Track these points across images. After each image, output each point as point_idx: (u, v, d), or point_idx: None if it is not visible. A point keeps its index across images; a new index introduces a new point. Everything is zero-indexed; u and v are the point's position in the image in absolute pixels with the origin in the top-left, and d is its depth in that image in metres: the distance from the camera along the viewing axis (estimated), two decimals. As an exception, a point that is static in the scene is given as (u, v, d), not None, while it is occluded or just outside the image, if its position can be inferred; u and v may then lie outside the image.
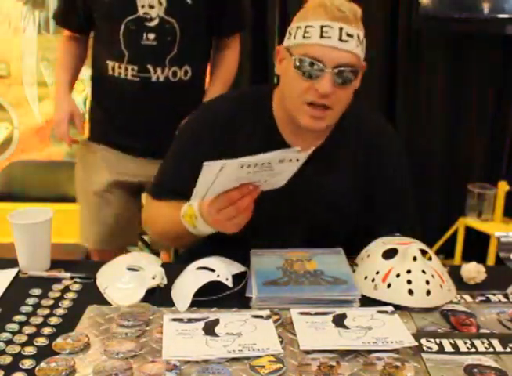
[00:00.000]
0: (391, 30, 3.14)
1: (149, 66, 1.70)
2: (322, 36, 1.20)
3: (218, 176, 1.07)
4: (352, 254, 1.36)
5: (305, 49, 1.22)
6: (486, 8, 2.89)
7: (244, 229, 1.20)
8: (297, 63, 1.23)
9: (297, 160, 1.11)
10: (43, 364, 0.98)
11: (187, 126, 1.48)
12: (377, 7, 3.11)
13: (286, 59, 1.28)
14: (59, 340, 1.05)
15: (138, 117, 1.80)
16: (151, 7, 1.59)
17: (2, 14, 3.25)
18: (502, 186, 2.98)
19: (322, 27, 1.20)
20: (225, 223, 1.17)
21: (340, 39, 1.19)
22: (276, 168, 1.12)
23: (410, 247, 1.21)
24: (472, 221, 3.05)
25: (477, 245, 3.09)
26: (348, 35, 1.20)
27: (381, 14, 3.12)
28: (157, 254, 2.24)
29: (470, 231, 3.09)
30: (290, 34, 1.28)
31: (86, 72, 3.36)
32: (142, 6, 1.61)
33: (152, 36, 1.63)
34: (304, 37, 1.22)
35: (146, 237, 2.88)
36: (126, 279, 1.25)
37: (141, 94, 1.75)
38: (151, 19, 1.61)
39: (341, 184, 1.40)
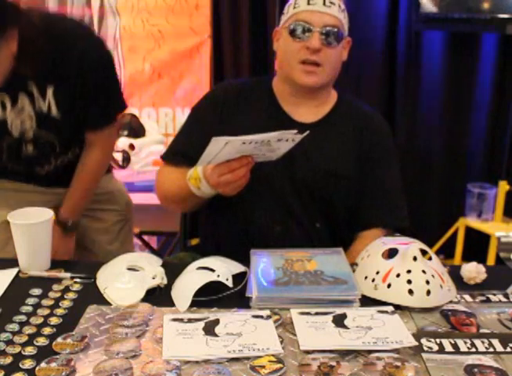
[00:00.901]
0: (391, 30, 3.14)
1: (37, 167, 1.68)
2: (308, 3, 1.43)
3: (223, 149, 1.22)
4: (353, 231, 1.54)
5: (296, 16, 1.44)
6: (486, 8, 2.89)
7: (247, 201, 1.43)
8: (290, 28, 1.44)
9: (293, 140, 1.26)
10: (43, 364, 0.98)
11: (200, 101, 1.64)
12: (377, 7, 3.12)
13: (282, 34, 1.49)
14: (59, 340, 1.05)
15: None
16: (23, 122, 1.55)
17: (2, 14, 3.25)
18: (503, 186, 2.98)
19: None
20: (224, 186, 1.32)
21: (324, 4, 1.42)
22: (274, 145, 1.26)
23: (410, 247, 1.21)
24: (472, 221, 3.05)
25: (477, 245, 3.09)
26: (331, 2, 1.43)
27: (381, 14, 3.13)
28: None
29: (470, 231, 3.09)
30: (283, 14, 1.50)
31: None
32: (16, 128, 1.56)
33: (30, 147, 1.60)
34: (294, 8, 1.46)
35: (145, 237, 2.89)
36: (126, 279, 1.25)
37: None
38: (26, 132, 1.56)
39: (338, 154, 1.52)
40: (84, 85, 1.52)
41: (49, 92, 1.50)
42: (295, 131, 1.23)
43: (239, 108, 1.54)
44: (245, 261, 1.32)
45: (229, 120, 1.53)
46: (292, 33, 1.44)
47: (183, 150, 1.54)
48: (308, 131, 1.27)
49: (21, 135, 1.57)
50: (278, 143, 1.25)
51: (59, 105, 1.52)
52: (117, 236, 1.88)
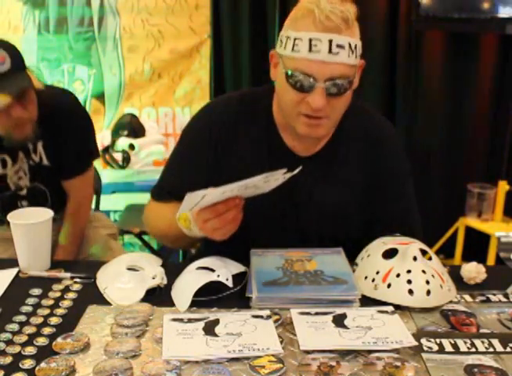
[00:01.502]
0: (391, 30, 3.14)
1: None
2: (310, 50, 1.16)
3: (202, 201, 1.11)
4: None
5: (295, 63, 1.19)
6: (486, 8, 2.89)
7: (245, 238, 1.24)
8: (289, 77, 1.21)
9: (284, 178, 1.13)
10: (43, 364, 0.98)
11: (188, 128, 1.46)
12: (377, 7, 3.12)
13: (280, 65, 1.25)
14: (59, 340, 1.05)
15: None
16: (20, 179, 1.78)
17: (2, 14, 3.25)
18: (503, 186, 2.98)
19: (310, 40, 1.16)
20: (211, 232, 1.18)
21: (330, 52, 1.16)
22: (262, 185, 1.15)
23: (410, 247, 1.21)
24: (472, 221, 3.05)
25: (477, 245, 3.09)
26: (339, 46, 1.16)
27: (381, 14, 3.13)
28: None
29: (470, 231, 3.09)
30: (281, 42, 1.24)
31: (84, 72, 3.37)
32: (13, 183, 1.77)
33: (25, 203, 1.79)
34: (293, 50, 1.19)
35: (145, 237, 2.89)
36: (126, 279, 1.25)
37: None
38: (21, 189, 1.79)
39: (345, 193, 1.39)
40: (65, 137, 1.75)
41: (39, 145, 1.74)
42: (284, 170, 1.09)
43: (237, 140, 1.37)
44: (245, 261, 1.32)
45: (227, 153, 1.37)
46: (291, 82, 1.21)
47: (173, 189, 1.37)
48: (300, 167, 1.13)
49: (16, 189, 1.77)
50: (266, 184, 1.14)
51: (48, 155, 1.75)
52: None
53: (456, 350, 1.02)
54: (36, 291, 1.25)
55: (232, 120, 1.38)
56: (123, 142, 3.12)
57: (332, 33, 1.15)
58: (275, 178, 1.12)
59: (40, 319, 1.14)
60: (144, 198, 3.10)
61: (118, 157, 3.12)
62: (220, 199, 1.13)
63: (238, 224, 1.18)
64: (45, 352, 1.02)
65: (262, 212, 1.35)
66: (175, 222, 1.25)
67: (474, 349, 1.02)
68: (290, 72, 1.20)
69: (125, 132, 3.17)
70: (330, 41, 1.15)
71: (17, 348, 1.03)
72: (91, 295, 1.23)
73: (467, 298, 1.22)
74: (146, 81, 3.37)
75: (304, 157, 1.37)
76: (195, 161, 1.39)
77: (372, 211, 1.40)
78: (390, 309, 1.15)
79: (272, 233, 1.41)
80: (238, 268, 1.30)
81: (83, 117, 1.84)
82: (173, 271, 1.28)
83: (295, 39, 1.18)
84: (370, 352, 1.01)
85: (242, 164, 1.35)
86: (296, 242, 1.38)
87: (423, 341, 1.04)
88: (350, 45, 1.17)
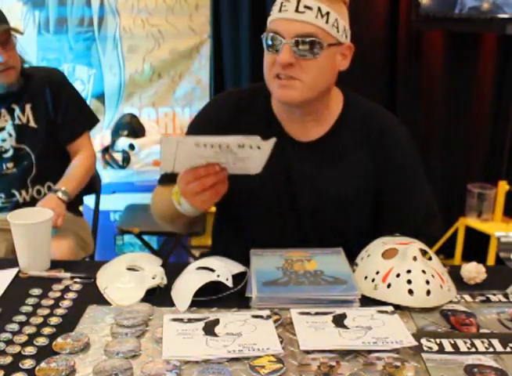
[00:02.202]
0: (391, 30, 3.14)
1: (15, 191, 1.93)
2: (280, 10, 1.26)
3: (178, 151, 1.12)
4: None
5: (269, 26, 1.29)
6: (486, 8, 2.89)
7: (247, 222, 1.34)
8: (264, 40, 1.29)
9: (258, 147, 1.12)
10: (43, 364, 0.98)
11: (194, 119, 1.52)
12: (377, 7, 3.12)
13: None
14: (59, 340, 1.05)
15: None
16: (3, 140, 1.86)
17: (2, 14, 3.25)
18: (503, 186, 2.98)
19: (281, 2, 1.26)
20: (191, 197, 1.21)
21: (296, 11, 1.23)
22: (239, 153, 1.13)
23: (410, 247, 1.21)
24: (472, 221, 3.05)
25: (477, 245, 3.09)
26: (306, 7, 1.23)
27: (381, 14, 3.13)
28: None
29: (470, 231, 3.09)
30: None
31: (84, 72, 3.37)
32: None
33: (10, 165, 1.89)
34: (270, 15, 1.30)
35: (145, 237, 2.89)
36: (126, 279, 1.25)
37: None
38: (6, 151, 1.87)
39: (347, 177, 1.39)
40: (54, 101, 1.92)
41: (27, 107, 1.88)
42: (257, 137, 1.10)
43: (237, 129, 1.26)
44: (245, 261, 1.32)
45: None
46: (266, 44, 1.29)
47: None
48: (274, 139, 1.11)
49: (1, 152, 1.85)
50: (242, 150, 1.13)
51: (36, 117, 1.89)
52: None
53: (456, 350, 1.02)
54: (36, 291, 1.25)
55: (231, 112, 1.42)
56: (123, 142, 3.12)
57: None
58: (249, 146, 1.11)
59: (40, 319, 1.14)
60: (144, 198, 3.12)
61: (118, 157, 3.12)
62: (199, 162, 1.16)
63: (219, 195, 1.21)
64: (45, 352, 1.02)
65: (261, 198, 1.38)
66: (172, 201, 1.29)
67: (473, 349, 1.02)
68: (265, 35, 1.29)
69: (125, 132, 3.17)
70: (299, 1, 1.24)
71: (17, 348, 1.03)
72: (91, 295, 1.23)
73: (467, 298, 1.22)
74: (146, 81, 3.37)
75: (304, 142, 1.39)
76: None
77: (379, 203, 1.41)
78: (390, 309, 1.15)
79: (271, 220, 1.41)
80: (238, 268, 1.30)
81: (72, 87, 2.04)
82: (173, 271, 1.28)
83: (274, 5, 1.29)
84: (370, 352, 1.01)
85: None
86: (294, 230, 1.40)
87: (423, 341, 1.04)
88: (320, 9, 1.23)
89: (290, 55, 1.24)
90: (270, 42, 1.27)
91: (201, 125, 1.45)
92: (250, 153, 1.14)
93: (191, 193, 1.20)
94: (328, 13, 1.24)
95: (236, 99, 1.45)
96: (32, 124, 1.88)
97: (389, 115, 1.49)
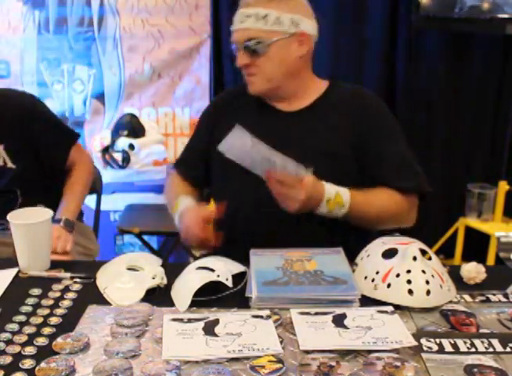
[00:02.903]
0: (391, 30, 3.14)
1: (3, 221, 1.78)
2: (232, 23, 1.52)
3: (248, 150, 1.37)
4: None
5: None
6: (486, 8, 2.89)
7: (236, 192, 1.53)
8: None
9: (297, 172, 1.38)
10: (43, 364, 0.98)
11: (201, 114, 1.77)
12: (377, 7, 3.12)
13: None
14: (59, 340, 1.05)
15: None
16: None
17: (2, 14, 3.25)
18: (503, 186, 2.98)
19: (234, 16, 1.52)
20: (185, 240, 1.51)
21: (240, 22, 1.49)
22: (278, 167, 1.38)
23: (410, 247, 1.21)
24: (472, 221, 3.05)
25: (477, 245, 3.09)
26: (246, 16, 1.48)
27: (381, 14, 3.13)
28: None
29: (470, 231, 3.09)
30: None
31: (84, 72, 3.37)
32: None
33: None
34: None
35: (145, 237, 2.89)
36: (126, 279, 1.25)
37: None
38: None
39: (329, 135, 1.52)
40: (29, 135, 1.77)
41: (0, 148, 1.75)
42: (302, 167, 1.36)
43: (231, 115, 1.61)
44: (245, 261, 1.32)
45: (222, 123, 1.58)
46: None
47: (186, 159, 1.75)
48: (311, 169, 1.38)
49: None
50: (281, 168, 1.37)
51: (12, 156, 1.77)
52: None
53: (456, 350, 1.02)
54: (36, 291, 1.25)
55: (225, 102, 1.69)
56: (123, 142, 3.12)
57: (242, 8, 1.50)
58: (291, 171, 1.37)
59: (40, 319, 1.14)
60: (144, 198, 3.12)
61: (118, 157, 3.12)
62: (258, 165, 1.39)
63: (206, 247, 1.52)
64: (45, 352, 1.02)
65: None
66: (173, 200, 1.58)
67: (473, 349, 1.02)
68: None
69: (125, 132, 3.17)
70: (241, 14, 1.50)
71: (17, 348, 1.03)
72: (91, 295, 1.23)
73: (467, 298, 1.22)
74: (146, 81, 3.37)
75: (288, 111, 1.58)
76: (200, 137, 1.71)
77: (367, 168, 1.53)
78: (390, 309, 1.15)
79: (259, 186, 1.45)
80: (238, 268, 1.30)
81: (45, 112, 1.89)
82: (173, 271, 1.28)
83: None
84: (370, 352, 1.01)
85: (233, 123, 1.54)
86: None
87: (423, 341, 1.04)
88: (257, 14, 1.47)
89: (244, 57, 1.51)
90: (233, 50, 1.54)
91: (204, 119, 1.73)
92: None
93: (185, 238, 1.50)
94: (266, 15, 1.47)
95: (231, 94, 1.73)
96: (10, 164, 1.77)
97: (371, 94, 1.62)
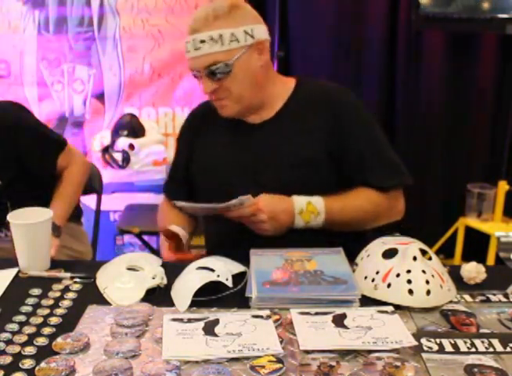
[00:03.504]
0: (391, 30, 3.14)
1: None
2: (187, 51, 1.46)
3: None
4: None
5: (188, 64, 1.49)
6: (486, 8, 2.89)
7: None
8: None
9: (241, 204, 1.37)
10: (43, 364, 0.98)
11: (179, 131, 1.74)
12: (377, 7, 3.12)
13: None
14: (59, 340, 1.05)
15: None
16: None
17: (2, 14, 3.25)
18: (502, 186, 2.98)
19: (185, 43, 1.46)
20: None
21: (195, 49, 1.43)
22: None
23: (410, 247, 1.21)
24: (472, 221, 3.05)
25: (477, 245, 3.09)
26: (201, 42, 1.41)
27: (381, 14, 3.12)
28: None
29: (470, 231, 3.09)
30: None
31: (84, 72, 3.37)
32: None
33: None
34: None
35: (145, 237, 2.89)
36: (126, 279, 1.25)
37: None
38: None
39: (303, 141, 1.49)
40: (14, 150, 1.73)
41: None
42: (244, 197, 1.33)
43: (206, 132, 1.61)
44: (245, 261, 1.32)
45: (199, 139, 1.61)
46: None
47: (172, 181, 1.72)
48: (249, 196, 1.35)
49: None
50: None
51: None
52: None
53: (456, 350, 1.02)
54: (36, 291, 1.25)
55: (200, 116, 1.66)
56: (123, 142, 3.12)
57: (193, 34, 1.43)
58: (234, 205, 1.35)
59: (40, 319, 1.14)
60: (144, 198, 3.12)
61: (118, 157, 3.12)
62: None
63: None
64: (45, 352, 1.02)
65: (227, 176, 1.53)
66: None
67: (474, 349, 1.02)
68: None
69: (125, 132, 3.17)
70: (194, 40, 1.43)
71: (17, 348, 1.03)
72: (91, 295, 1.23)
73: (467, 298, 1.22)
74: (146, 81, 3.37)
75: (258, 123, 1.54)
76: (181, 154, 1.69)
77: (346, 168, 1.49)
78: (390, 309, 1.15)
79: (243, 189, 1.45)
80: (238, 268, 1.30)
81: (29, 122, 1.82)
82: (173, 271, 1.28)
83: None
84: (370, 352, 1.01)
85: (209, 143, 1.59)
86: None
87: (423, 341, 1.04)
88: (212, 37, 1.40)
89: (210, 83, 1.45)
90: (195, 77, 1.49)
91: (182, 135, 1.70)
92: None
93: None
94: (221, 36, 1.40)
95: (204, 105, 1.67)
96: None
97: (336, 87, 1.59)
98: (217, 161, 1.56)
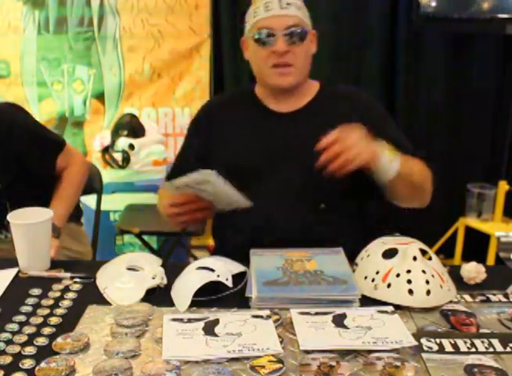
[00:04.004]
0: (391, 30, 3.14)
1: None
2: (266, 10, 1.46)
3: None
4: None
5: (258, 25, 1.47)
6: (486, 8, 2.89)
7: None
8: (255, 37, 1.47)
9: (208, 181, 1.24)
10: (43, 364, 0.98)
11: (188, 126, 1.71)
12: (377, 7, 3.12)
13: (249, 43, 1.53)
14: (59, 340, 1.05)
15: None
16: None
17: (2, 14, 3.25)
18: (503, 186, 2.98)
19: (265, 3, 1.47)
20: (172, 219, 1.41)
21: (281, 8, 1.45)
22: (207, 189, 1.27)
23: (410, 247, 1.21)
24: (472, 221, 3.05)
25: (477, 245, 3.09)
26: (288, 4, 1.46)
27: (381, 14, 3.12)
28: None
29: (470, 231, 3.09)
30: (246, 25, 1.54)
31: (84, 72, 3.37)
32: None
33: None
34: (254, 17, 1.49)
35: (145, 237, 2.89)
36: (126, 279, 1.25)
37: None
38: None
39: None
40: (12, 151, 1.71)
41: None
42: (207, 171, 1.22)
43: (225, 120, 1.59)
44: (245, 261, 1.32)
45: (217, 134, 1.58)
46: (257, 41, 1.47)
47: (177, 167, 1.66)
48: (212, 171, 1.25)
49: None
50: (205, 186, 1.26)
51: None
52: None
53: (456, 350, 1.02)
54: (36, 291, 1.25)
55: (215, 109, 1.64)
56: (123, 142, 3.12)
57: None
58: (204, 180, 1.23)
59: (40, 319, 1.14)
60: (144, 198, 3.12)
61: (118, 157, 3.11)
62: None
63: (197, 221, 1.40)
64: (45, 352, 1.02)
65: (249, 165, 1.50)
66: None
67: (474, 349, 1.02)
68: (255, 34, 1.47)
69: (125, 132, 3.17)
70: (280, 1, 1.46)
71: (17, 348, 1.03)
72: (91, 295, 1.23)
73: (467, 298, 1.22)
74: (146, 81, 3.37)
75: (284, 112, 1.55)
76: (190, 151, 1.64)
77: None
78: (390, 309, 1.15)
79: (262, 187, 1.46)
80: (238, 268, 1.30)
81: (27, 122, 1.81)
82: (173, 271, 1.28)
83: (255, 9, 1.49)
84: (370, 352, 1.01)
85: (232, 136, 1.57)
86: (283, 200, 1.47)
87: (423, 341, 1.04)
88: (296, 4, 1.47)
89: (285, 43, 1.44)
90: (263, 37, 1.46)
91: (192, 132, 1.67)
92: (212, 188, 1.25)
93: (171, 215, 1.38)
94: (302, 7, 1.49)
95: (224, 98, 1.69)
96: None
97: (362, 92, 1.63)
98: (244, 150, 1.53)
